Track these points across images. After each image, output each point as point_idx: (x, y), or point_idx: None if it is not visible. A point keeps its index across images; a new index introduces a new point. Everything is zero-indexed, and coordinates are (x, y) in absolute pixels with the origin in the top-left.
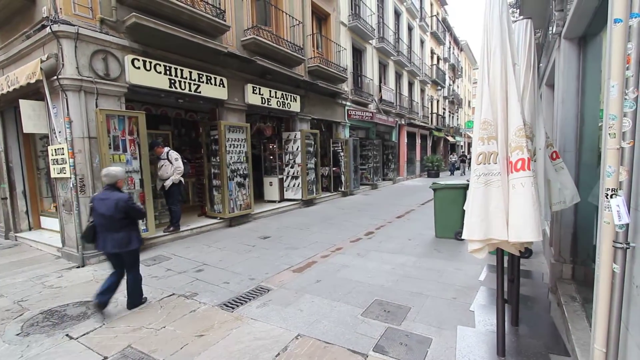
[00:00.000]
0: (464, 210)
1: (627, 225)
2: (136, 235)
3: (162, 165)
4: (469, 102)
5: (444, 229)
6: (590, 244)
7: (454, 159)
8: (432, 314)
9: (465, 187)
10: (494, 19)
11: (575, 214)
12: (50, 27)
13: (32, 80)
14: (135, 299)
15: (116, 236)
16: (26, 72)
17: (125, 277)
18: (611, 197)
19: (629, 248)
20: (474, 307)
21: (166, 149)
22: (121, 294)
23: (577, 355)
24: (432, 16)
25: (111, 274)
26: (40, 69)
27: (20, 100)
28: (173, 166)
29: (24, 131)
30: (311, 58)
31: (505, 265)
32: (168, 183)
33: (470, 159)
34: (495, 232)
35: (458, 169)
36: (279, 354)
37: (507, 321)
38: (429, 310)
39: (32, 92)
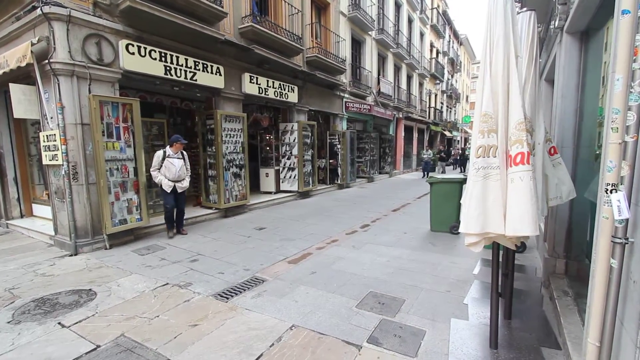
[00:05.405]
0: (459, 204)
1: (627, 220)
2: None
3: (182, 165)
4: (467, 97)
5: (440, 223)
6: (584, 239)
7: (426, 155)
8: (426, 306)
9: (462, 182)
10: (498, 8)
11: (571, 209)
12: (41, 9)
13: (23, 64)
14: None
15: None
16: (16, 55)
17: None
18: (611, 192)
19: (627, 243)
20: (468, 300)
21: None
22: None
23: (568, 349)
24: (432, 8)
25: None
26: (31, 52)
27: (11, 84)
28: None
29: (15, 116)
30: (310, 48)
31: (500, 259)
32: (187, 185)
33: (452, 156)
34: (492, 226)
35: (433, 169)
36: (273, 344)
37: (500, 314)
38: (423, 302)
39: (23, 76)
